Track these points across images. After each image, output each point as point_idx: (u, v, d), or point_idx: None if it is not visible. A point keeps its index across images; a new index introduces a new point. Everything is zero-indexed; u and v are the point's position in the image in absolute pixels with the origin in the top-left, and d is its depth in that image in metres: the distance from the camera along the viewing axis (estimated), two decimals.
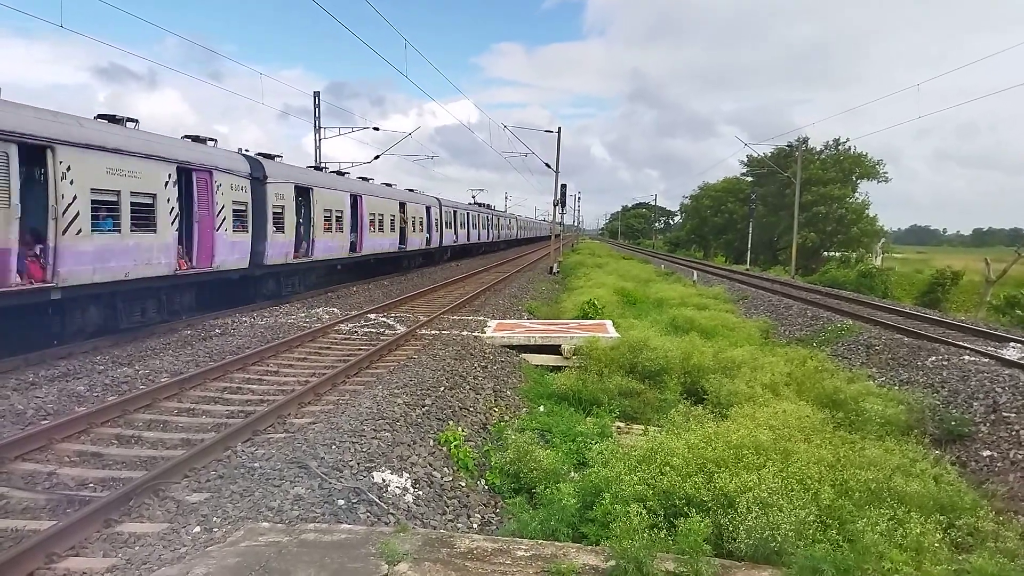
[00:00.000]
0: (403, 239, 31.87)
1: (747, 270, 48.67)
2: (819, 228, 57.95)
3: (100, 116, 13.15)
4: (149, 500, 5.74)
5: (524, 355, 13.73)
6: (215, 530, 5.17)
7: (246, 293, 19.01)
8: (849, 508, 5.76)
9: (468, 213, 50.07)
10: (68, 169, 11.49)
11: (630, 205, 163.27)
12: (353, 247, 25.44)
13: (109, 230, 12.67)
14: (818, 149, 62.05)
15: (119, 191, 12.85)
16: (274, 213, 19.19)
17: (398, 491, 6.37)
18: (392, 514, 5.90)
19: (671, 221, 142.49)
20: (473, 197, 65.51)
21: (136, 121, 13.52)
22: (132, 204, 13.17)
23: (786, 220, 54.84)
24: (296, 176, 21.15)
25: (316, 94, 37.52)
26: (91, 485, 6.23)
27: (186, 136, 15.68)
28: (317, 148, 37.52)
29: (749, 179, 75.02)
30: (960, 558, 5.25)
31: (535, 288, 27.33)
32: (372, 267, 28.88)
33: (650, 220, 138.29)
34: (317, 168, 24.91)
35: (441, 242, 39.74)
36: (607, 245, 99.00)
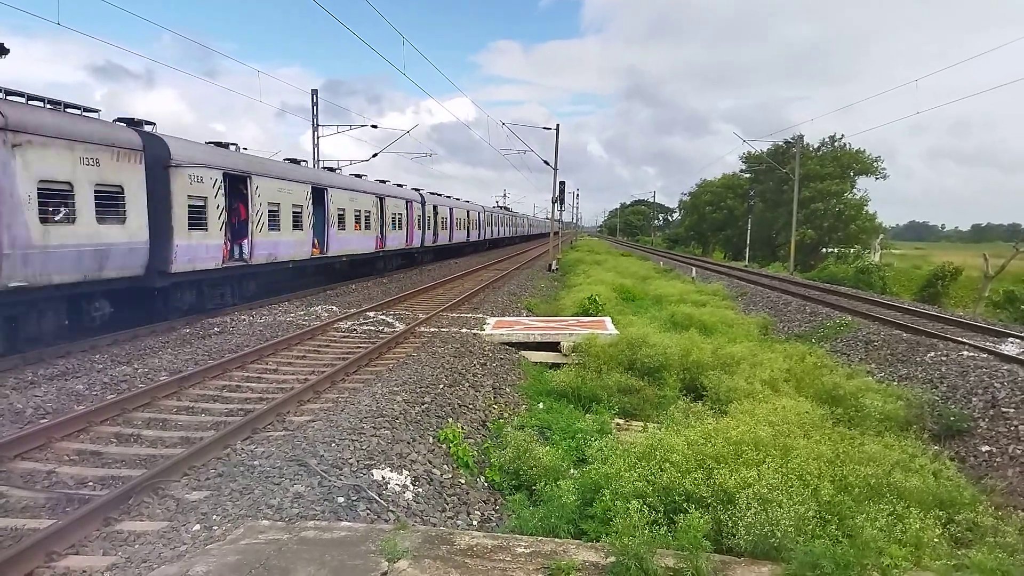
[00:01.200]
0: (468, 234, 50.36)
1: (746, 267, 48.72)
2: (817, 224, 57.97)
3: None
4: (149, 498, 5.74)
5: (523, 352, 13.74)
6: (215, 528, 5.17)
7: (410, 262, 36.34)
8: (848, 504, 5.76)
9: (499, 215, 69.16)
10: (388, 206, 29.83)
11: (628, 202, 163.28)
12: (449, 238, 43.78)
13: (395, 229, 31.24)
14: (815, 146, 62.10)
15: (397, 212, 31.67)
16: (428, 219, 38.23)
17: (398, 488, 6.38)
18: (392, 511, 5.90)
19: (669, 218, 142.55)
20: (496, 203, 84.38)
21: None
22: (401, 218, 32.11)
23: (784, 216, 54.88)
24: (433, 200, 39.99)
25: (314, 92, 37.42)
26: (90, 484, 6.22)
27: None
28: (315, 146, 37.42)
29: (748, 175, 75.06)
30: (959, 553, 5.26)
31: (534, 285, 27.33)
32: (454, 250, 47.30)
33: (649, 217, 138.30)
34: (437, 193, 42.97)
35: (485, 236, 57.88)
36: (606, 242, 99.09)
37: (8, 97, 11.45)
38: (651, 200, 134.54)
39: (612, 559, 4.48)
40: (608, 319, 16.11)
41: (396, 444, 7.30)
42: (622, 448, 7.19)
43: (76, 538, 5.02)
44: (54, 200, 11.42)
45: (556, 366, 13.02)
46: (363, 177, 29.74)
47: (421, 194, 37.42)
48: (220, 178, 16.61)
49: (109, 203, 12.75)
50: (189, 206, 15.27)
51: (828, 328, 17.51)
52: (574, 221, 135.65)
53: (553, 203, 39.47)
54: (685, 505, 5.53)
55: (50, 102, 12.50)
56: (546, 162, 37.83)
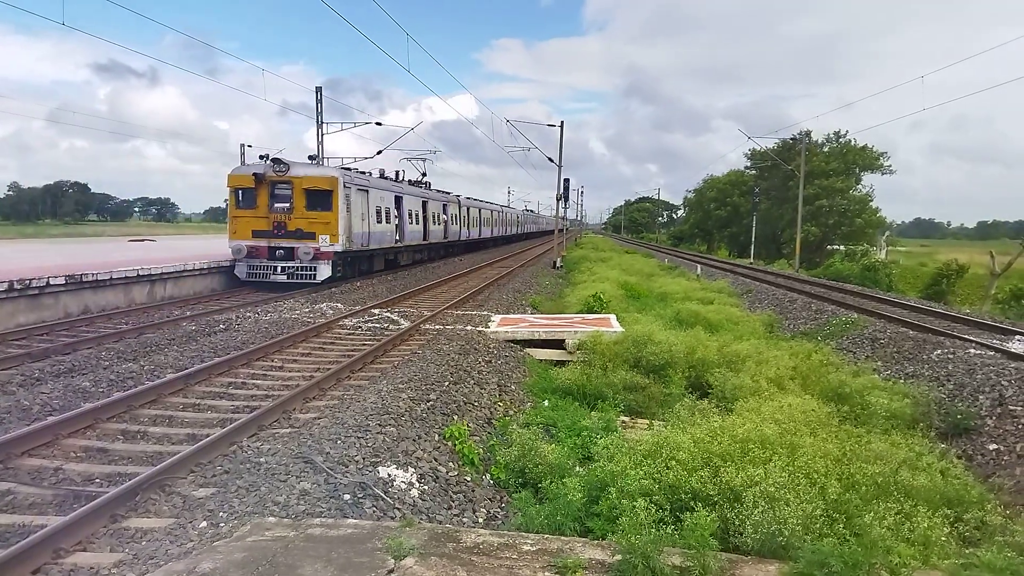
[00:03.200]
0: (517, 229, 76.42)
1: (751, 264, 48.59)
2: (822, 221, 57.79)
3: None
4: (155, 495, 5.75)
5: (528, 350, 13.72)
6: (221, 525, 5.18)
7: (495, 243, 60.22)
8: (856, 502, 5.74)
9: (530, 216, 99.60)
10: (493, 215, 59.41)
11: (633, 199, 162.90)
12: (509, 231, 68.48)
13: (495, 226, 60.54)
14: (820, 142, 61.88)
15: (493, 218, 59.26)
16: (502, 220, 65.39)
17: (404, 486, 6.38)
18: (398, 509, 5.90)
19: (674, 215, 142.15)
20: (525, 206, 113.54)
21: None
22: (497, 220, 61.36)
23: (789, 213, 54.72)
24: (506, 210, 70.79)
25: (318, 89, 37.40)
26: (97, 480, 6.24)
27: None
28: (320, 143, 37.44)
29: (753, 172, 74.85)
30: (968, 552, 5.23)
31: (539, 282, 27.30)
32: (511, 238, 69.76)
33: (653, 214, 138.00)
34: (505, 205, 79.18)
35: (523, 231, 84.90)
36: (610, 239, 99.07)
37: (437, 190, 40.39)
38: (656, 197, 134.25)
39: (619, 557, 4.47)
40: (613, 316, 16.08)
41: (402, 441, 7.30)
42: (628, 446, 7.17)
43: (83, 535, 5.03)
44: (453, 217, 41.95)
45: (561, 363, 13.01)
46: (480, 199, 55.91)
47: (500, 206, 68.08)
48: (467, 206, 45.74)
49: (452, 218, 41.39)
50: (461, 218, 43.63)
51: (834, 326, 17.46)
52: (579, 218, 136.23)
53: (558, 200, 39.42)
54: (691, 503, 5.51)
55: (426, 186, 38.65)
56: (550, 159, 37.78)
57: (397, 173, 33.98)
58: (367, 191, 25.27)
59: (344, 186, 22.56)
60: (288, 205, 21.87)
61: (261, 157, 22.45)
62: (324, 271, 21.91)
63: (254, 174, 21.86)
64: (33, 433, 6.97)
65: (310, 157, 29.26)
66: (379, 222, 26.58)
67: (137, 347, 12.00)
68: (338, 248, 22.10)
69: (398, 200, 29.89)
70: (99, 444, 7.14)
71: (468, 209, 46.73)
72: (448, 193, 42.36)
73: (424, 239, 34.44)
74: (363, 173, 27.33)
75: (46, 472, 6.36)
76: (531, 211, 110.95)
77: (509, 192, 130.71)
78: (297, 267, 21.68)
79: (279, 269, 21.73)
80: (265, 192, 21.95)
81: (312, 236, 21.80)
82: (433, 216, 36.29)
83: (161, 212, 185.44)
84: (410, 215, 31.47)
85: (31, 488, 5.95)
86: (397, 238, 29.54)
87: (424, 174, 39.95)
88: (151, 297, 18.31)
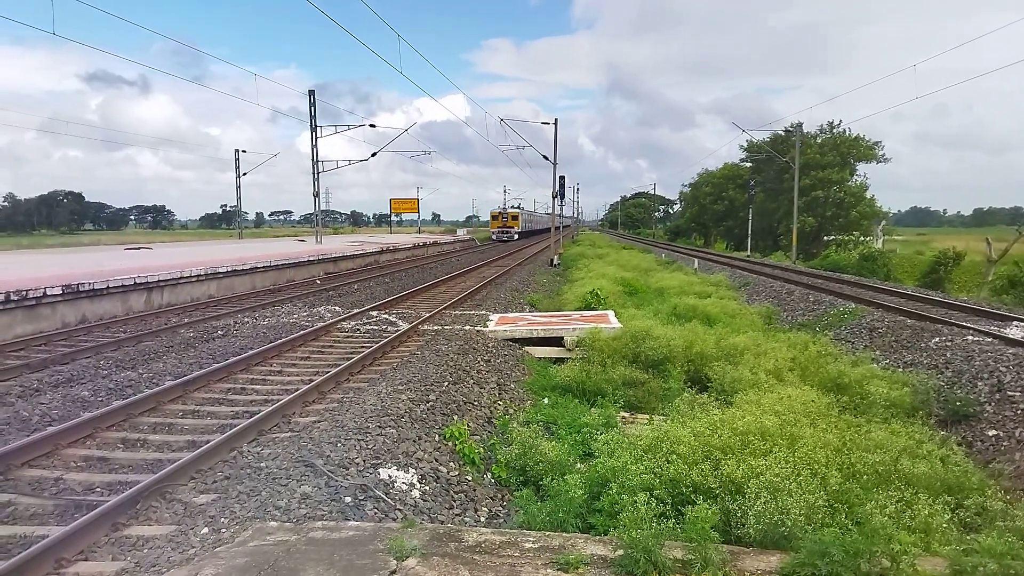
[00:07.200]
0: (544, 226, 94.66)
1: (748, 257, 48.62)
2: (818, 212, 57.81)
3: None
4: (156, 503, 5.74)
5: (527, 348, 13.73)
6: (223, 531, 5.17)
7: (534, 234, 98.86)
8: (857, 491, 5.75)
9: (549, 216, 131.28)
10: (538, 218, 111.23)
11: (629, 195, 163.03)
12: (542, 227, 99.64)
13: (537, 224, 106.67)
14: (814, 133, 61.90)
15: (537, 218, 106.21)
16: (540, 220, 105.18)
17: (405, 487, 6.38)
18: (399, 510, 5.90)
19: (670, 210, 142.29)
20: (545, 208, 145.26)
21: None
22: (538, 221, 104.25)
23: (785, 205, 54.77)
24: (540, 213, 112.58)
25: (311, 93, 37.42)
26: (98, 489, 6.23)
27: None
28: (314, 147, 37.44)
29: (748, 165, 74.85)
30: (969, 538, 5.24)
31: (536, 281, 27.32)
32: (542, 231, 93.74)
33: (649, 209, 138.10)
34: (548, 213, 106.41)
35: (547, 227, 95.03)
36: (607, 236, 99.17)
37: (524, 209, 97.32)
38: (651, 192, 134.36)
39: (620, 552, 4.48)
40: (611, 313, 16.09)
41: (402, 443, 7.30)
42: (628, 441, 7.18)
43: (85, 544, 5.02)
44: (521, 222, 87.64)
45: (560, 361, 13.01)
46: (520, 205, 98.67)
47: (542, 213, 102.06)
48: (535, 214, 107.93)
49: (529, 221, 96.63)
50: (531, 220, 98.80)
51: (832, 316, 17.49)
52: (575, 215, 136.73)
53: (553, 198, 39.44)
54: (693, 496, 5.52)
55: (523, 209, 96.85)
56: (545, 157, 37.82)
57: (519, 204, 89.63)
58: (523, 214, 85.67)
59: (521, 213, 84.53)
60: (507, 219, 79.20)
61: (499, 207, 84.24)
62: (516, 236, 77.46)
63: (499, 212, 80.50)
64: (33, 444, 6.96)
65: (512, 205, 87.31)
66: (523, 223, 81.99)
67: (135, 355, 11.99)
68: (520, 231, 79.92)
69: (522, 214, 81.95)
70: (99, 453, 7.14)
71: (533, 215, 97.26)
72: (529, 209, 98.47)
73: (526, 229, 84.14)
74: (522, 208, 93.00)
75: (46, 482, 6.35)
76: (548, 212, 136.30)
77: (505, 191, 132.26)
78: (510, 236, 76.87)
79: (504, 238, 76.59)
80: (500, 216, 79.66)
81: (514, 228, 78.50)
82: (527, 220, 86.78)
83: (157, 220, 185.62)
84: (526, 220, 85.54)
85: (32, 499, 5.94)
86: (525, 230, 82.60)
87: (520, 203, 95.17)
88: (148, 305, 18.31)
